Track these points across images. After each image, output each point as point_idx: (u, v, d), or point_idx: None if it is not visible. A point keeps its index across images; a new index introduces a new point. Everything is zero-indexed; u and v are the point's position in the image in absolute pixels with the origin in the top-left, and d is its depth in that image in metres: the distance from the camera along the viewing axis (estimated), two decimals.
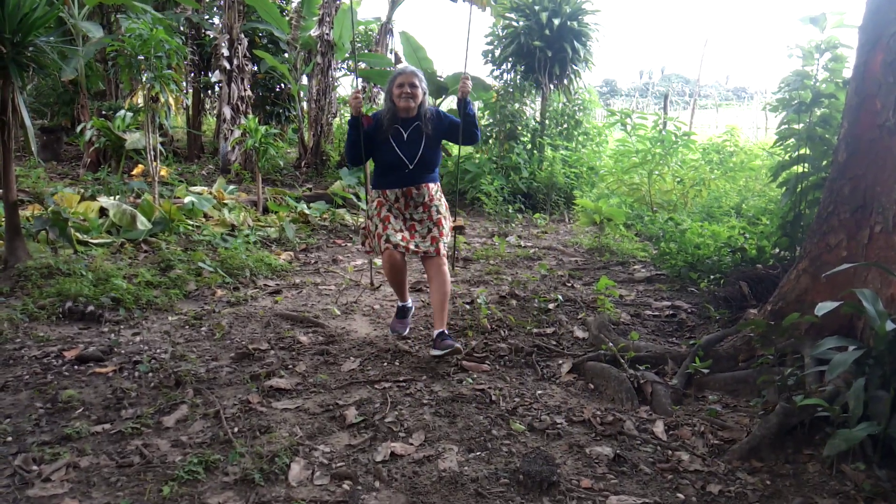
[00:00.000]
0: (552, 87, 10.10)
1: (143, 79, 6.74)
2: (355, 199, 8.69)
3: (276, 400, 3.23)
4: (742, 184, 8.50)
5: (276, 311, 4.61)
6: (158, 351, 3.79)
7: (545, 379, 3.61)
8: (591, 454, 2.77)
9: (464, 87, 3.86)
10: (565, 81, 10.16)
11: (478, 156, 10.19)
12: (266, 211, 7.87)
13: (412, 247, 3.79)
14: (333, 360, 3.77)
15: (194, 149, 13.07)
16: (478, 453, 2.77)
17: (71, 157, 11.64)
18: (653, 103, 36.92)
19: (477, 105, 11.75)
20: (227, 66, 10.99)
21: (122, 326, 4.19)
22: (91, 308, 4.28)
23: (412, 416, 3.08)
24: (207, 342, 4.00)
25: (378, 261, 4.25)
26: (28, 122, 5.11)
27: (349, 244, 7.05)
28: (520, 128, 10.31)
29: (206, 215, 7.12)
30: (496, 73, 10.47)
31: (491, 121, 10.48)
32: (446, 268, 3.89)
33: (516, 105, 10.24)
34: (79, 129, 9.84)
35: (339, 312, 4.66)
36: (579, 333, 4.24)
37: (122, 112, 8.71)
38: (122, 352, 3.75)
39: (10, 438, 2.75)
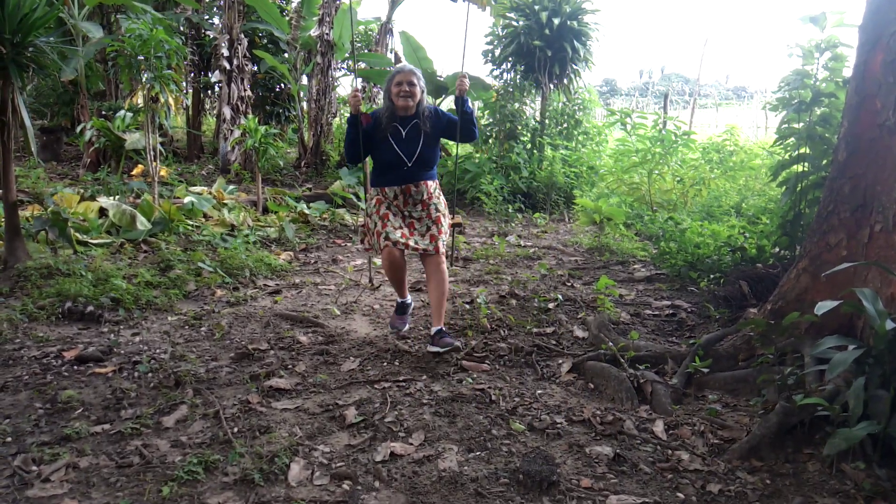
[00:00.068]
0: (552, 86, 10.09)
1: (143, 79, 6.74)
2: (355, 199, 8.69)
3: (276, 400, 3.23)
4: (742, 183, 8.50)
5: (275, 311, 4.61)
6: (158, 351, 3.79)
7: (545, 378, 3.61)
8: (591, 454, 2.77)
9: (461, 86, 3.89)
10: (565, 81, 10.16)
11: (478, 155, 10.19)
12: (266, 211, 7.87)
13: (412, 244, 3.80)
14: (333, 360, 3.77)
15: (194, 149, 13.07)
16: (478, 453, 2.77)
17: (71, 158, 11.64)
18: (653, 103, 36.93)
19: (477, 105, 11.76)
20: (227, 66, 10.99)
21: (121, 327, 4.19)
22: (91, 308, 4.28)
23: (412, 415, 3.08)
24: (207, 342, 4.00)
25: (377, 260, 4.26)
26: (28, 122, 5.11)
27: (349, 244, 7.05)
28: (520, 127, 10.31)
29: (205, 215, 7.12)
30: (496, 72, 10.47)
31: (491, 120, 10.48)
32: (445, 266, 3.91)
33: (516, 105, 10.23)
34: (78, 129, 9.84)
35: (338, 312, 4.66)
36: (579, 333, 4.24)
37: (121, 112, 8.71)
38: (122, 352, 3.75)
39: (9, 439, 2.75)
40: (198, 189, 8.36)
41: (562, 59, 9.74)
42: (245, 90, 11.12)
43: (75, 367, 3.50)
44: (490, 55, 10.48)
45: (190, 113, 14.09)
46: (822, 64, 4.24)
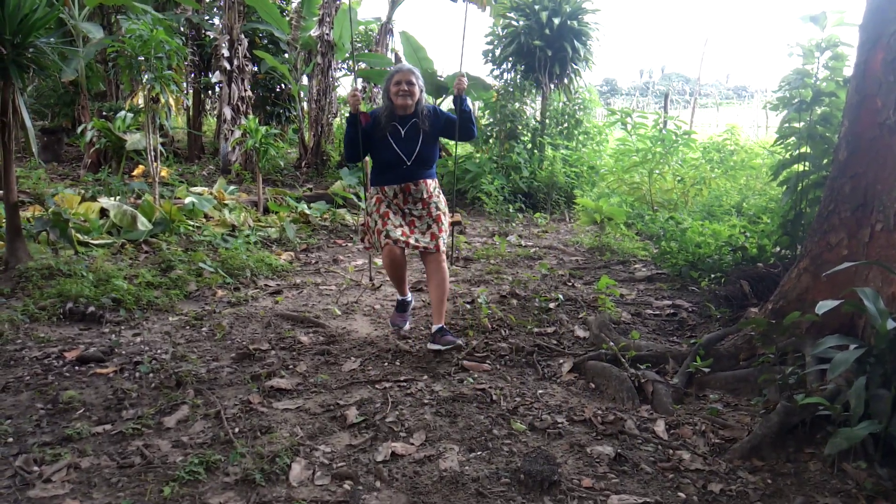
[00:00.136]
0: (552, 86, 10.09)
1: (144, 79, 6.74)
2: (356, 199, 8.69)
3: (277, 400, 3.23)
4: (743, 182, 8.50)
5: (276, 311, 4.61)
6: (159, 351, 3.79)
7: (546, 378, 3.61)
8: (593, 453, 2.77)
9: (459, 85, 3.90)
10: (565, 81, 10.16)
11: (478, 155, 10.19)
12: (266, 211, 7.87)
13: (412, 241, 3.81)
14: (334, 360, 3.77)
15: (195, 149, 13.08)
16: (479, 453, 2.77)
17: (71, 158, 11.65)
18: (653, 102, 36.92)
19: (477, 105, 11.76)
20: (228, 67, 10.99)
21: (122, 327, 4.20)
22: (92, 309, 4.28)
23: (413, 415, 3.08)
24: (208, 342, 4.00)
25: (378, 260, 4.26)
26: (29, 123, 5.11)
27: (350, 244, 7.05)
28: (520, 127, 10.31)
29: (206, 216, 7.13)
30: (496, 72, 10.47)
31: (491, 120, 10.48)
32: (446, 264, 3.92)
33: (516, 104, 10.23)
34: (79, 130, 9.86)
35: (339, 312, 4.67)
36: (580, 333, 4.24)
37: (122, 113, 8.72)
38: (123, 352, 3.75)
39: (11, 439, 2.75)
40: (198, 189, 8.37)
41: (562, 59, 9.74)
42: (245, 90, 11.13)
43: (76, 368, 3.51)
44: (490, 55, 10.48)
45: (190, 113, 14.11)
46: (823, 63, 4.24)
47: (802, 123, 4.35)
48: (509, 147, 9.95)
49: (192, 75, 13.63)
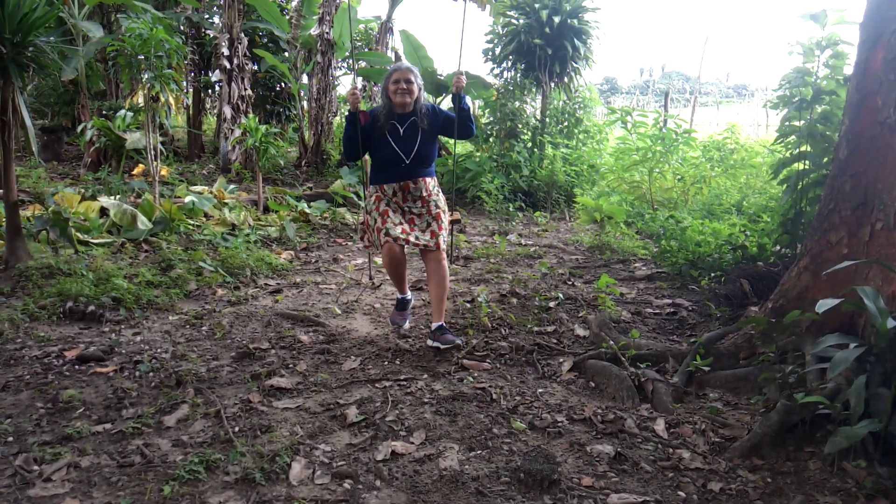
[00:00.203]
0: (552, 84, 10.09)
1: (144, 78, 6.74)
2: (356, 198, 8.69)
3: (277, 399, 3.23)
4: (743, 181, 8.50)
5: (276, 310, 4.61)
6: (159, 350, 3.79)
7: (546, 377, 3.61)
8: (592, 452, 2.77)
9: (458, 83, 3.90)
10: (566, 79, 10.16)
11: (478, 154, 10.19)
12: (266, 210, 7.87)
13: (412, 239, 3.81)
14: (334, 359, 3.77)
15: (195, 148, 13.08)
16: (479, 452, 2.77)
17: (71, 157, 11.65)
18: (653, 101, 36.91)
19: (477, 103, 11.75)
20: (228, 66, 10.99)
21: (122, 326, 4.20)
22: (92, 308, 4.28)
23: (413, 414, 3.08)
24: (208, 341, 4.00)
25: (378, 259, 4.26)
26: (28, 122, 5.11)
27: (350, 243, 7.05)
28: (520, 126, 10.30)
29: (206, 215, 7.13)
30: (496, 71, 10.47)
31: (491, 119, 10.48)
32: (446, 262, 3.92)
33: (516, 103, 10.23)
34: (79, 128, 9.85)
35: (339, 311, 4.67)
36: (580, 331, 4.24)
37: (122, 112, 8.71)
38: (123, 351, 3.75)
39: (11, 438, 2.75)
40: (198, 188, 8.37)
41: (562, 58, 9.73)
42: (245, 89, 11.12)
43: (76, 367, 3.51)
44: (490, 54, 10.47)
45: (190, 112, 14.10)
46: (823, 61, 4.24)
47: (803, 122, 4.34)
48: (509, 146, 9.95)
49: (192, 74, 13.63)
